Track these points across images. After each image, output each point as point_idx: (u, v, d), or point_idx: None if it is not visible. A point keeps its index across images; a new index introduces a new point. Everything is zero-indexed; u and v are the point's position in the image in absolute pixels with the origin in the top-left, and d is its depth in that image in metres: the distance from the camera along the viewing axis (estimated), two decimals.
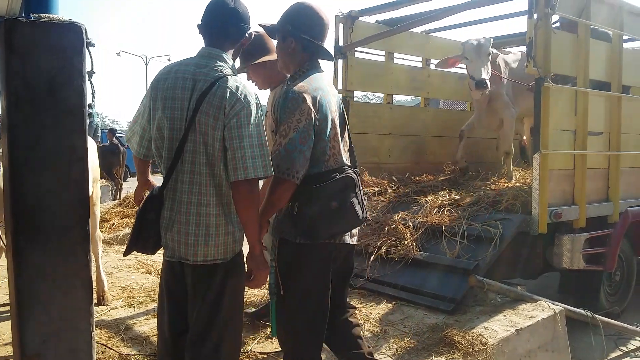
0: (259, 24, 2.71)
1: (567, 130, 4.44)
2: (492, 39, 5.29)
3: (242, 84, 2.25)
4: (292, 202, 2.43)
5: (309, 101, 2.38)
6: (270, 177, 2.35)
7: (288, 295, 2.47)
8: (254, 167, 2.18)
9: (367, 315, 3.69)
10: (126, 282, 4.85)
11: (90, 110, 2.65)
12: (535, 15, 4.04)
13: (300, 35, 2.54)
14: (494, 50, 5.52)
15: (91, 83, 2.68)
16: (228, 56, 2.36)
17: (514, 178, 5.53)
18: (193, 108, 2.22)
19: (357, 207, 2.51)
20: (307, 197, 2.42)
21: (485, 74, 5.08)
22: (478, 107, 5.86)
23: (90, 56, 2.65)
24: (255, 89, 2.26)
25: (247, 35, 2.41)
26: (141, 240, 2.34)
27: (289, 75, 2.69)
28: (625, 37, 5.06)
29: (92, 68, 2.70)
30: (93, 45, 2.65)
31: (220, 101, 2.18)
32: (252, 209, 2.26)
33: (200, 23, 2.38)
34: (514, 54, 6.04)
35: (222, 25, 2.35)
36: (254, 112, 2.22)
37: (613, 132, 4.86)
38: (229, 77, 2.24)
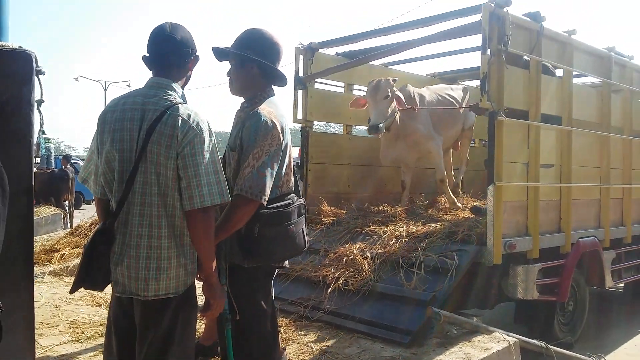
0: (213, 47, 2.72)
1: (520, 162, 4.54)
2: (395, 79, 5.42)
3: (193, 111, 2.23)
4: (252, 224, 2.46)
5: (278, 127, 2.51)
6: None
7: (243, 319, 2.49)
8: (211, 194, 2.16)
9: (324, 349, 3.63)
10: (75, 315, 4.65)
11: (38, 140, 2.57)
12: (488, 52, 4.15)
13: (261, 61, 2.61)
14: (402, 90, 5.58)
15: (40, 112, 2.62)
16: (177, 85, 2.34)
17: (457, 202, 5.64)
18: (143, 138, 2.18)
19: (305, 235, 2.69)
20: (267, 219, 2.50)
21: (379, 118, 5.14)
22: (387, 144, 5.75)
23: (40, 84, 2.60)
24: (206, 117, 2.23)
25: (192, 58, 2.38)
26: (89, 276, 2.25)
27: (242, 97, 2.75)
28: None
29: (41, 96, 2.63)
30: (43, 73, 2.60)
31: (172, 130, 2.15)
32: (208, 237, 2.23)
33: (144, 55, 2.37)
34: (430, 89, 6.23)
35: (164, 55, 2.33)
36: (207, 139, 2.19)
37: (564, 164, 5.00)
38: (180, 105, 2.22)
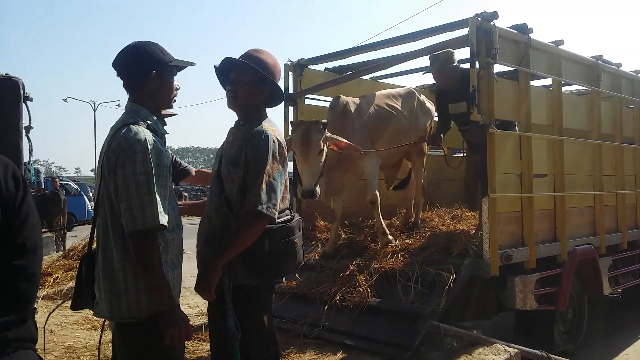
0: (227, 58, 2.70)
1: (513, 173, 4.55)
2: (325, 122, 4.27)
3: (134, 131, 2.18)
4: (261, 239, 2.50)
5: (283, 144, 2.63)
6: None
7: (246, 338, 2.50)
8: (143, 217, 2.10)
9: None
10: (70, 340, 4.60)
11: (27, 166, 2.56)
12: (477, 64, 4.17)
13: (276, 84, 2.71)
14: (335, 104, 4.90)
15: (28, 138, 2.60)
16: (138, 105, 2.33)
17: (388, 235, 4.92)
18: (100, 162, 2.27)
19: (302, 250, 2.78)
20: (277, 234, 2.56)
21: (313, 180, 4.15)
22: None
23: (28, 111, 2.58)
24: (147, 136, 2.19)
25: (152, 73, 2.32)
26: (77, 298, 2.37)
27: (237, 113, 2.76)
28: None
29: (29, 123, 2.62)
30: (31, 100, 2.58)
31: (113, 153, 2.18)
32: (145, 264, 2.13)
33: None
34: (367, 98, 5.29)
35: (124, 79, 2.36)
36: (139, 161, 2.13)
37: (557, 173, 5.01)
38: (126, 127, 2.21)
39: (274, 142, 2.56)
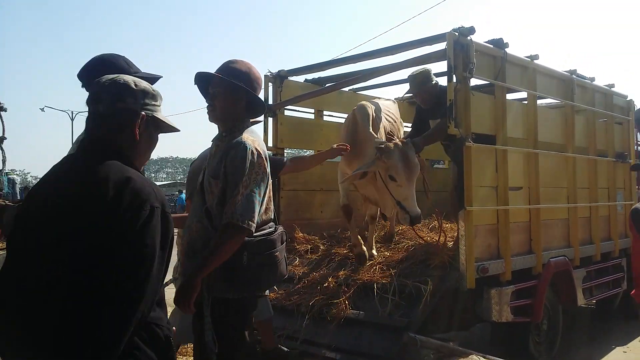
0: (199, 72, 2.71)
1: (489, 186, 4.60)
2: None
3: None
4: (240, 253, 2.48)
5: (263, 155, 2.59)
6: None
7: (227, 348, 2.51)
8: None
9: None
10: None
11: (0, 177, 2.52)
12: (454, 78, 4.23)
13: (251, 92, 2.69)
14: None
15: (2, 149, 2.58)
16: None
17: (373, 249, 4.96)
18: None
19: (286, 262, 2.76)
20: (255, 247, 2.53)
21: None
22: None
23: (2, 121, 2.56)
24: None
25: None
26: None
27: (218, 125, 2.76)
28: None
29: (3, 133, 2.60)
30: (5, 110, 2.57)
31: None
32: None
33: None
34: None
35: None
36: None
37: (532, 186, 5.08)
38: None
39: (252, 152, 2.54)
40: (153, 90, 1.85)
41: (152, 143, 1.86)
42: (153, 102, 1.83)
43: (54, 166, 1.78)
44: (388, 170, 4.16)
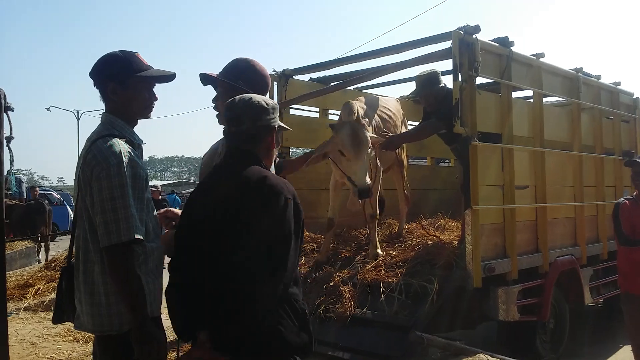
0: (201, 74, 2.69)
1: (496, 185, 4.58)
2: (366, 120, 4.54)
3: (108, 143, 2.17)
4: None
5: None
6: None
7: None
8: (118, 231, 2.07)
9: None
10: (52, 352, 4.55)
11: (7, 176, 2.54)
12: (460, 77, 4.21)
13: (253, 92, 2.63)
14: (349, 109, 4.54)
15: (9, 149, 2.59)
16: (111, 115, 2.32)
17: (377, 248, 4.90)
18: (76, 175, 2.25)
19: None
20: None
21: (367, 176, 4.32)
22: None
23: (9, 121, 2.56)
24: (122, 147, 2.18)
25: (110, 85, 2.30)
26: (58, 311, 2.34)
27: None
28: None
29: (10, 133, 2.60)
30: (12, 110, 2.57)
31: (88, 166, 2.16)
32: (117, 282, 2.11)
33: None
34: None
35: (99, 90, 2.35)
36: (114, 173, 2.11)
37: (539, 185, 5.06)
38: (99, 139, 2.20)
39: None
40: (274, 104, 2.29)
41: (276, 145, 2.34)
42: (277, 114, 2.28)
43: (206, 176, 2.36)
44: (337, 146, 4.29)
